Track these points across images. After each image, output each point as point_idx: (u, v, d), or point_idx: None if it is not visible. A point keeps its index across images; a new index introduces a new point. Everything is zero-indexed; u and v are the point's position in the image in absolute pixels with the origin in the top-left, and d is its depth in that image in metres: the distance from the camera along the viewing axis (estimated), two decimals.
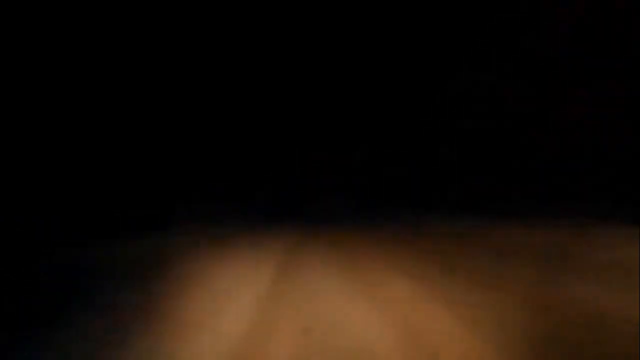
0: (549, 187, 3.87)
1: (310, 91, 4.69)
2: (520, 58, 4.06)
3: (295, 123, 4.71)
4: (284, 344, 1.69)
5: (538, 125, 4.01)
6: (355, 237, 3.85)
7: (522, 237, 3.69)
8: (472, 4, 4.19)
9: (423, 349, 1.63)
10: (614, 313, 1.88)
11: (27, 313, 2.12)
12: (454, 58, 4.26)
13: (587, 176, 3.68)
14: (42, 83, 4.29)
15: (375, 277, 2.59)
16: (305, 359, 1.57)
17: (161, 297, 2.29)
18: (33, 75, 4.27)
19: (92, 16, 4.45)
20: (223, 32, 4.65)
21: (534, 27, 3.99)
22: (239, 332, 1.83)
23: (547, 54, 3.94)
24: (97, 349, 1.72)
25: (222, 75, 4.78)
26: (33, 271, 2.87)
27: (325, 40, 4.58)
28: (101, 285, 2.54)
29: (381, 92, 4.56)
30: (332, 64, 4.61)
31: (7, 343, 1.77)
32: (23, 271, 2.87)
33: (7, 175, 4.08)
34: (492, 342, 1.66)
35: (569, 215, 3.75)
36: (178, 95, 4.63)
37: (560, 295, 2.13)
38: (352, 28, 4.50)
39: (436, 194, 4.20)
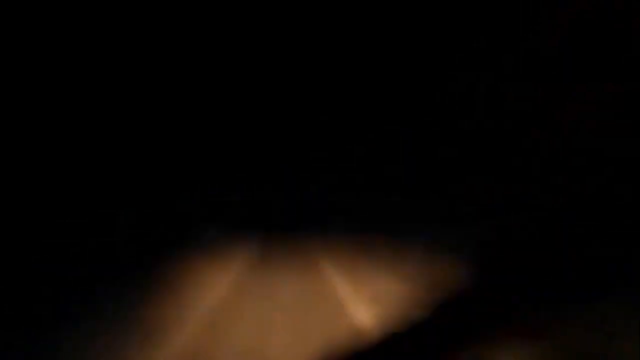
0: (548, 187, 3.87)
1: (311, 90, 4.68)
2: (520, 58, 4.06)
3: (294, 122, 4.70)
4: None
5: (538, 125, 4.00)
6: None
7: None
8: (472, 4, 4.19)
9: None
10: None
11: None
12: (454, 58, 4.25)
13: (588, 176, 3.67)
14: (46, 83, 4.30)
15: None
16: None
17: None
18: (36, 75, 4.28)
19: (92, 16, 4.45)
20: (223, 31, 4.65)
21: (534, 27, 3.98)
22: None
23: (547, 53, 3.93)
24: None
25: (221, 74, 4.78)
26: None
27: (324, 39, 4.58)
28: None
29: (381, 91, 4.56)
30: (331, 63, 4.61)
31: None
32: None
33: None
34: None
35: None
36: (172, 93, 4.63)
37: None
38: (352, 27, 4.50)
39: (435, 194, 4.20)
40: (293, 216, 5.01)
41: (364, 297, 2.27)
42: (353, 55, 4.51)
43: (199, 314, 2.14)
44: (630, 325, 1.86)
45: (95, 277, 2.83)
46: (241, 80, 4.79)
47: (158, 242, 3.85)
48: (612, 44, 3.62)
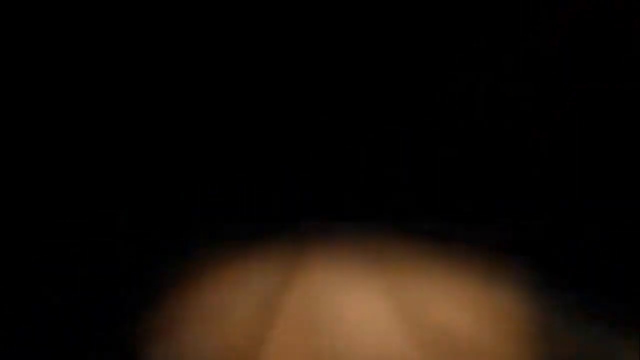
0: (547, 186, 3.88)
1: (311, 90, 4.69)
2: (520, 58, 4.06)
3: (294, 122, 4.71)
4: None
5: (538, 125, 4.01)
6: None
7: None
8: (472, 4, 4.20)
9: None
10: None
11: None
12: (454, 58, 4.26)
13: (588, 176, 3.67)
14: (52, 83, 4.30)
15: None
16: None
17: None
18: (40, 75, 4.28)
19: (92, 16, 4.46)
20: (222, 31, 4.66)
21: (534, 27, 3.98)
22: None
23: (547, 53, 3.94)
24: None
25: (220, 74, 4.79)
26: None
27: (324, 38, 4.58)
28: None
29: (381, 91, 4.56)
30: (331, 63, 4.61)
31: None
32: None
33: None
34: None
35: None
36: (166, 94, 4.63)
37: None
38: (352, 27, 4.50)
39: (435, 194, 4.20)
40: (293, 216, 5.02)
41: (358, 297, 2.31)
42: (353, 55, 4.51)
43: (200, 313, 2.15)
44: (631, 324, 1.86)
45: (95, 277, 2.83)
46: (241, 80, 4.79)
47: (158, 242, 3.86)
48: (612, 44, 3.63)
